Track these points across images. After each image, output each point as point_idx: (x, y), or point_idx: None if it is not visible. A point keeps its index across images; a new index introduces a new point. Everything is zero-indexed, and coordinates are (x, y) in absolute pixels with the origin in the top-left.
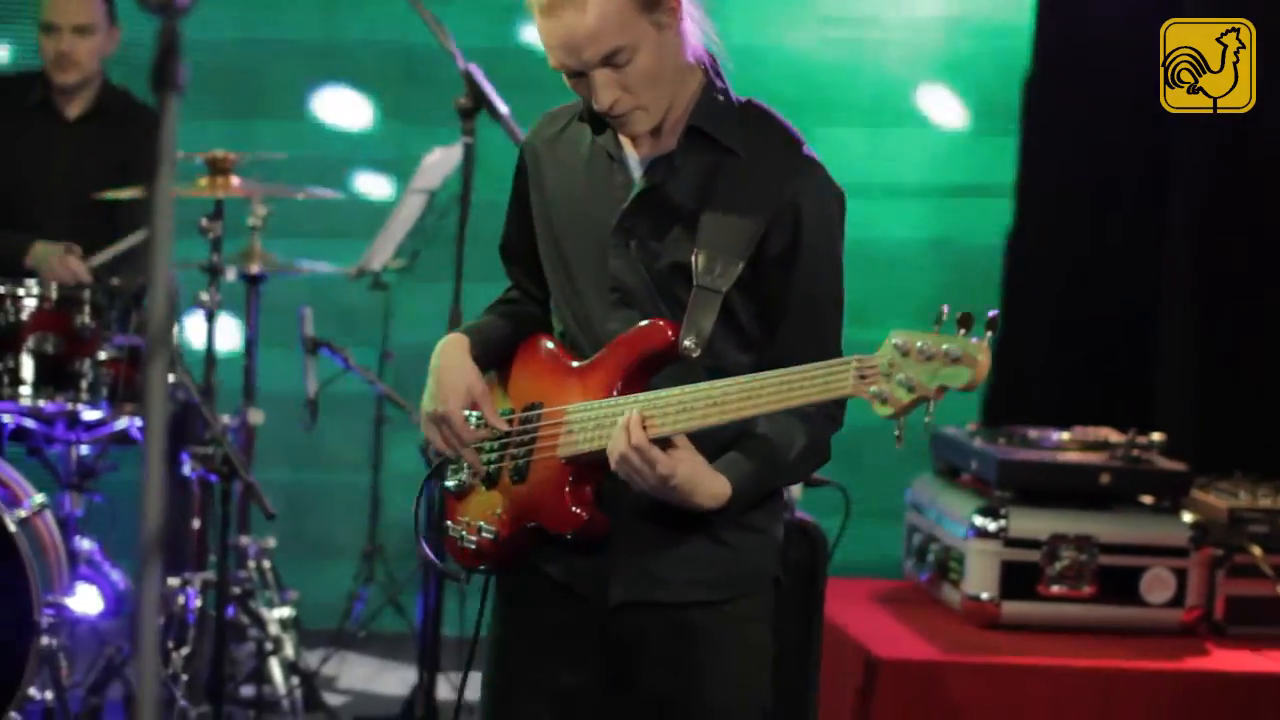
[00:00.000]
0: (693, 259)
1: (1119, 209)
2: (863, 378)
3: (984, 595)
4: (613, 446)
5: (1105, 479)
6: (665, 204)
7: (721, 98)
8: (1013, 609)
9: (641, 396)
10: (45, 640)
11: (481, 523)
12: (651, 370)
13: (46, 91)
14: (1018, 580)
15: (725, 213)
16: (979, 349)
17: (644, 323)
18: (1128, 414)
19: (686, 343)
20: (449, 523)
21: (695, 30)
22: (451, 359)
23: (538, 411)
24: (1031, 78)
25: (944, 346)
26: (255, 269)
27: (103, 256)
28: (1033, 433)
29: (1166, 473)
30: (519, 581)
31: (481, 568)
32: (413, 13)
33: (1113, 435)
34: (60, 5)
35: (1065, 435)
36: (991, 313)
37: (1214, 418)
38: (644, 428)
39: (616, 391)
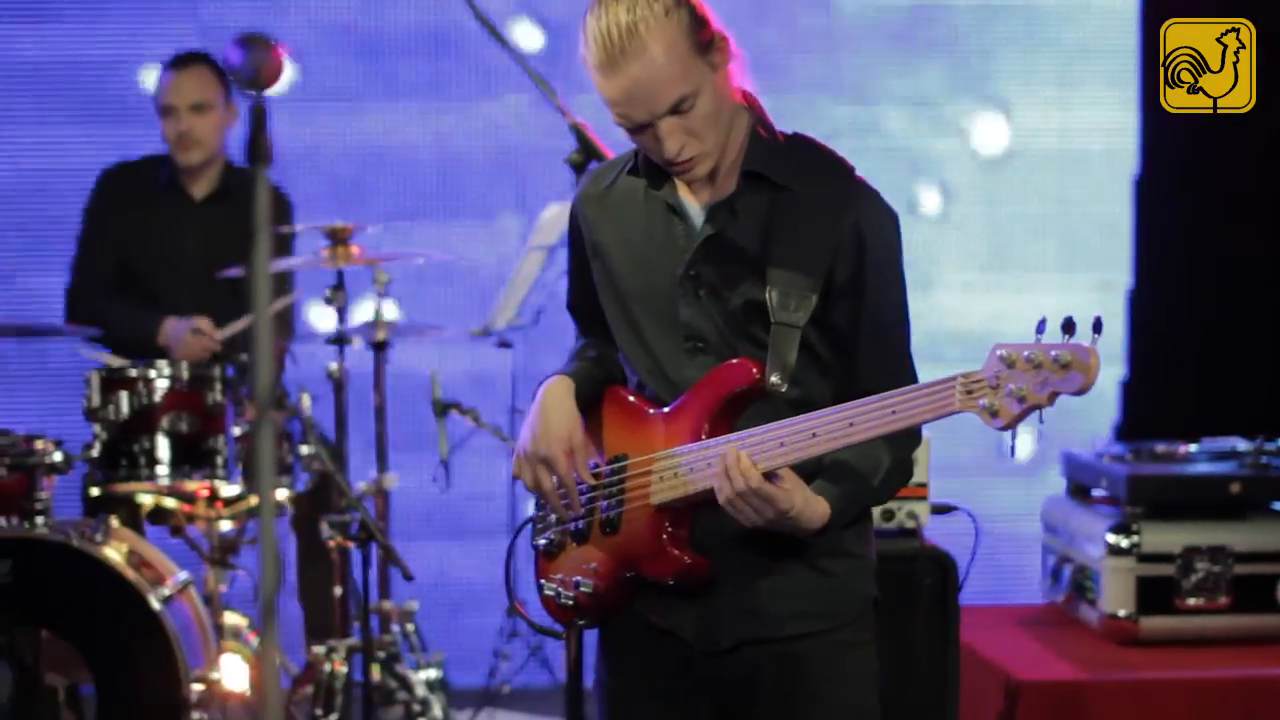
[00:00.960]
0: (767, 296)
1: (1246, 214)
2: (969, 393)
3: (1121, 612)
4: (724, 488)
5: (1235, 488)
6: (730, 248)
7: (768, 135)
8: (1151, 624)
9: (735, 437)
10: (196, 715)
11: (578, 578)
12: (738, 410)
13: (174, 173)
14: (1154, 595)
15: (791, 248)
16: (1089, 352)
17: (727, 362)
18: (1259, 423)
19: (773, 379)
20: (543, 581)
21: (739, 70)
22: (556, 401)
23: (624, 463)
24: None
25: (1052, 353)
26: (381, 336)
27: (231, 329)
28: (1160, 447)
29: None
30: (622, 631)
31: (581, 622)
32: None
33: (1240, 443)
34: (176, 86)
35: (1193, 447)
36: (1096, 317)
37: None
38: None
39: (705, 434)
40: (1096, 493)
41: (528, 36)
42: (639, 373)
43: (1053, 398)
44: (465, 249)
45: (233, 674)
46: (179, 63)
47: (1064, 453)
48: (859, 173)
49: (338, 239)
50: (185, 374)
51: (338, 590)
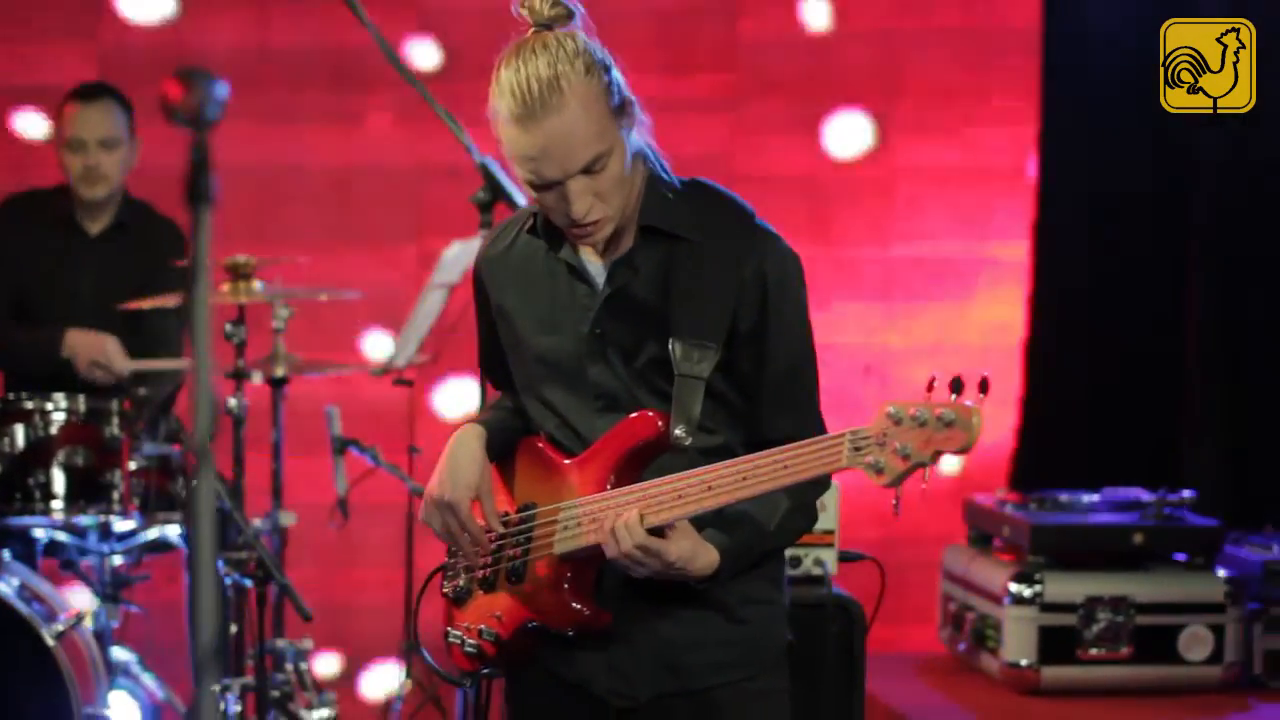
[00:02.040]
0: (670, 350)
1: (1140, 263)
2: (857, 449)
3: (1023, 662)
4: (610, 546)
5: (1138, 539)
6: (632, 304)
7: (665, 187)
8: (1052, 674)
9: (636, 488)
10: None
11: (482, 626)
12: (644, 461)
13: (69, 207)
14: (1056, 645)
15: (693, 300)
16: (972, 411)
17: (633, 414)
18: (1157, 472)
19: (678, 432)
20: (449, 629)
21: (640, 128)
22: (466, 448)
23: (532, 512)
24: (1044, 135)
25: (937, 412)
26: (280, 371)
27: (139, 366)
28: (1064, 496)
29: (1199, 529)
30: (529, 681)
31: (485, 671)
32: None
33: (1143, 494)
34: (85, 120)
35: (1096, 497)
36: (983, 374)
37: (1244, 472)
38: (641, 521)
39: (610, 485)
40: (998, 541)
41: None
42: (548, 429)
43: (937, 456)
44: (366, 284)
45: (121, 712)
46: (86, 95)
47: (966, 500)
48: (758, 217)
49: (239, 274)
50: (82, 407)
51: (233, 628)
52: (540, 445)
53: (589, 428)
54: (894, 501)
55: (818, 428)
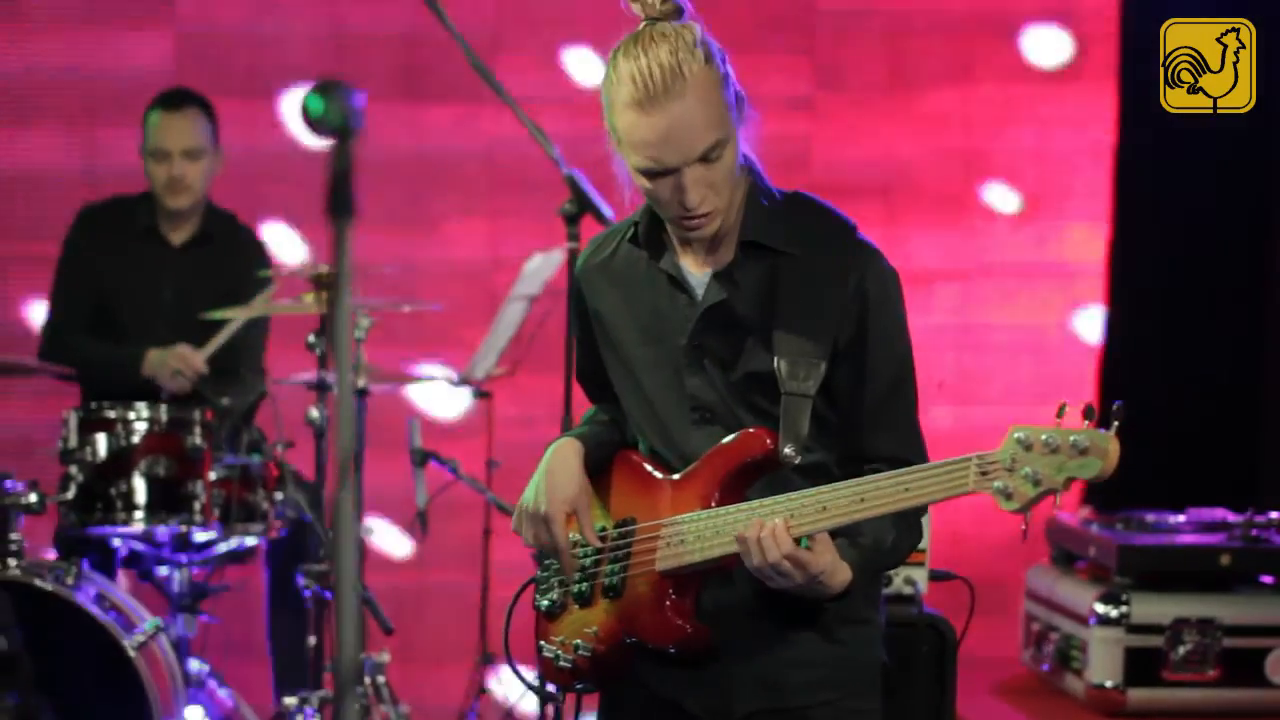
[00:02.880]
0: (776, 367)
1: (1217, 278)
2: (984, 474)
3: (1108, 683)
4: (755, 556)
5: (1225, 560)
6: (733, 317)
7: (766, 200)
8: (1138, 696)
9: (744, 506)
10: None
11: (578, 641)
12: (750, 479)
13: (152, 217)
14: (1142, 666)
15: (795, 315)
16: (1107, 439)
17: (742, 431)
18: (1234, 493)
19: (787, 450)
20: (542, 643)
21: (748, 133)
22: (564, 462)
23: (632, 527)
24: (1120, 155)
25: (1071, 438)
26: (361, 382)
27: (212, 346)
28: (1149, 517)
29: None
30: (623, 698)
31: (579, 686)
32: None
33: (1229, 515)
34: (169, 131)
35: (1181, 517)
36: (1117, 403)
37: None
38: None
39: (715, 502)
40: (1082, 562)
41: None
42: (647, 439)
43: (1069, 483)
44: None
45: None
46: (171, 104)
47: (1049, 519)
48: (859, 231)
49: (323, 284)
50: (164, 417)
51: (311, 640)
52: (637, 459)
53: (685, 439)
54: (1023, 528)
55: (917, 445)
